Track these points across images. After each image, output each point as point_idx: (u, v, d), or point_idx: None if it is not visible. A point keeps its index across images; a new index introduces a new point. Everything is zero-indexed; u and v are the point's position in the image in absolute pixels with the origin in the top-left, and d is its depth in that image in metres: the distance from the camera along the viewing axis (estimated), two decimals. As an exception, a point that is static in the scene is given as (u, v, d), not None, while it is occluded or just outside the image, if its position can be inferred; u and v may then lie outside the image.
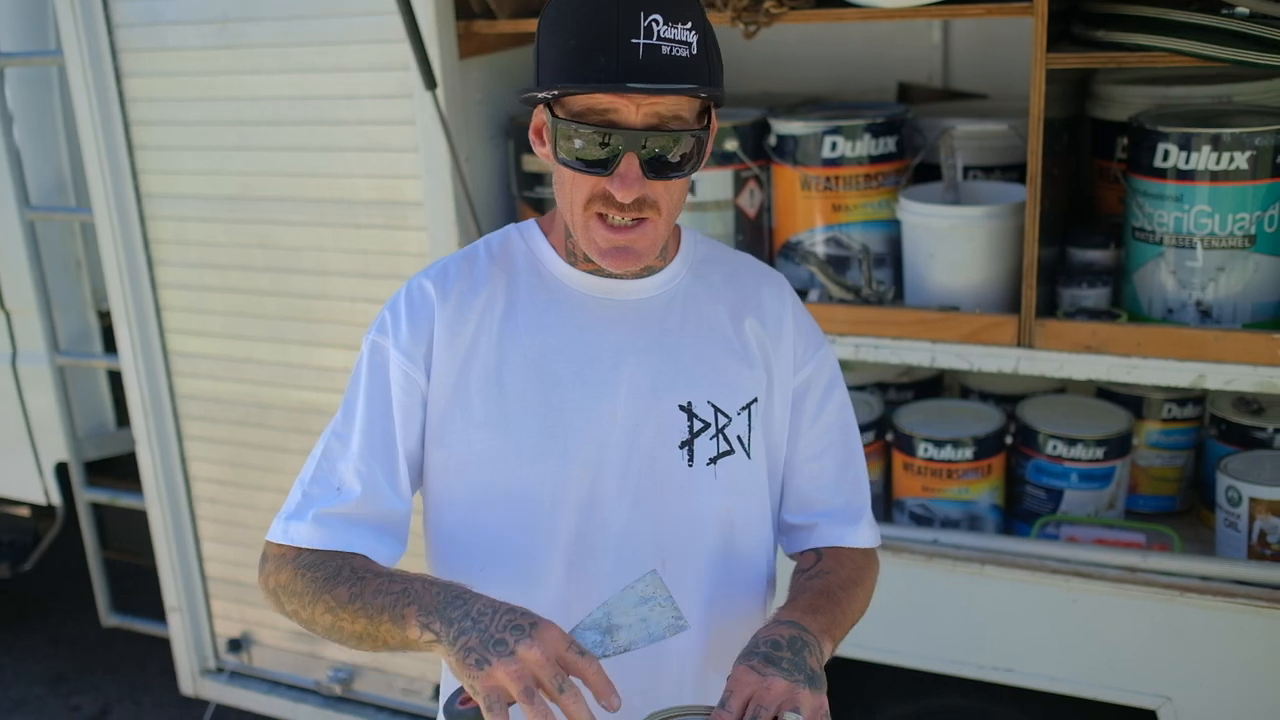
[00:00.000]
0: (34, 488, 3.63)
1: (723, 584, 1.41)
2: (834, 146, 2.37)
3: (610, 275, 1.37)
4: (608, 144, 1.23)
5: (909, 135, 2.47)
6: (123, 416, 3.41)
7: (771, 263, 2.55)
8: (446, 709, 1.17)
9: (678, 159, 1.25)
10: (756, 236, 2.53)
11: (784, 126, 2.43)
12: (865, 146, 2.37)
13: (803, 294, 2.38)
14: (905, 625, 2.36)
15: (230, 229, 2.84)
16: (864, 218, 2.40)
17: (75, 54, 2.85)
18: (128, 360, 3.07)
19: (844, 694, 2.56)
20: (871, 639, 2.38)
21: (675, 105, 1.23)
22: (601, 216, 1.28)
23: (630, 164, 1.23)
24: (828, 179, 2.38)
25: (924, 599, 2.33)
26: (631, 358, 1.36)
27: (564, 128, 1.24)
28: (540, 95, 1.26)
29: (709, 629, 1.41)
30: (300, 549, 1.32)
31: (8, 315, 3.45)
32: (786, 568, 1.52)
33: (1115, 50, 2.02)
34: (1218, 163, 2.03)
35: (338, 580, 1.27)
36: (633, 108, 1.22)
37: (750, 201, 2.50)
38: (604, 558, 1.36)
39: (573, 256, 1.38)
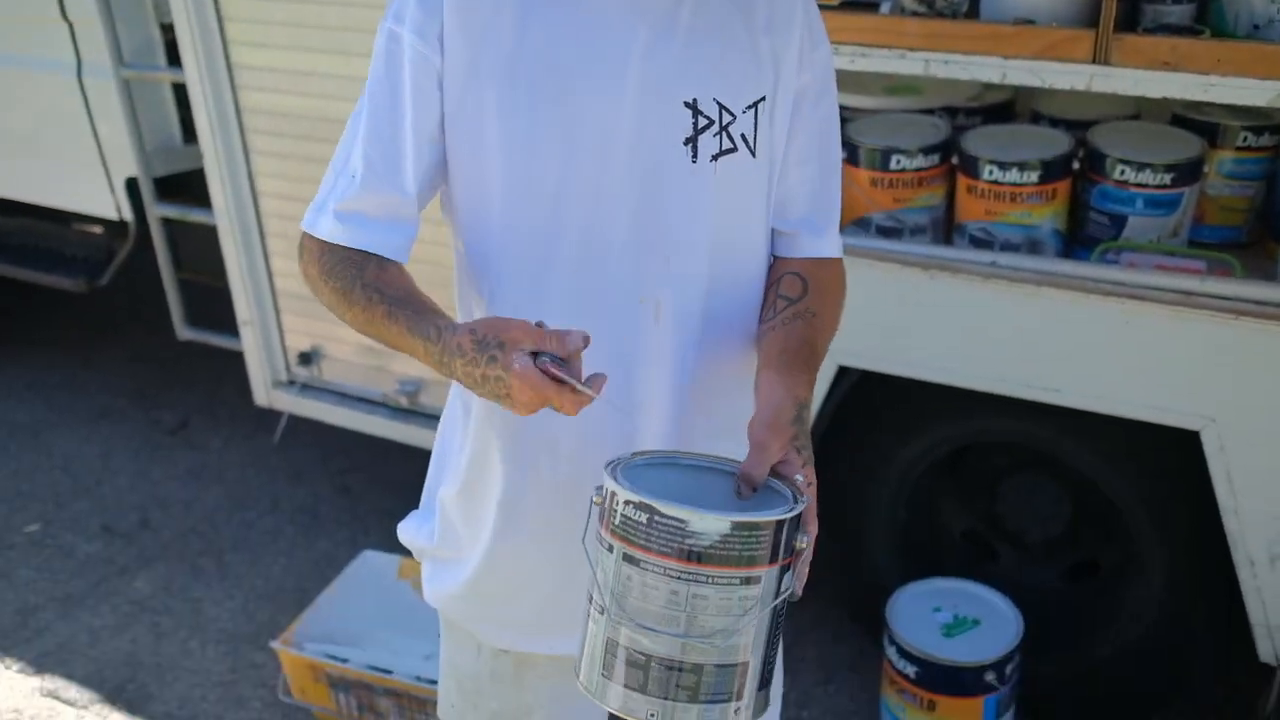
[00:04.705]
0: (106, 203, 3.72)
1: (723, 282, 1.44)
2: None
3: None
4: None
5: None
6: (189, 133, 3.45)
7: (845, -24, 2.47)
8: None
9: None
10: (829, -54, 2.44)
11: None
12: None
13: (874, 6, 2.32)
14: (958, 345, 2.41)
15: (291, -66, 2.79)
16: (943, -74, 2.30)
17: None
18: (192, 73, 3.09)
19: (891, 413, 2.66)
20: (924, 358, 2.45)
21: None
22: None
23: None
24: (908, -117, 2.27)
25: (978, 320, 2.37)
26: (640, 51, 1.35)
27: None
28: None
29: (705, 336, 1.45)
30: (324, 248, 1.39)
31: (70, 26, 3.44)
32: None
33: None
34: None
35: (352, 299, 1.35)
36: None
37: (825, -92, 2.40)
38: (610, 252, 1.39)
39: None
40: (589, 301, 1.40)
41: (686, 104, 1.37)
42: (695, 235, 1.41)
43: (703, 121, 1.37)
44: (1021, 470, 2.79)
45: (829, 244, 1.53)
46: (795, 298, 1.48)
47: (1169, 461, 2.38)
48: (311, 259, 1.41)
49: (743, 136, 1.39)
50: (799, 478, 1.25)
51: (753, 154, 1.41)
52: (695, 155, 1.38)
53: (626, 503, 1.16)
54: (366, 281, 1.35)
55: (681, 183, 1.38)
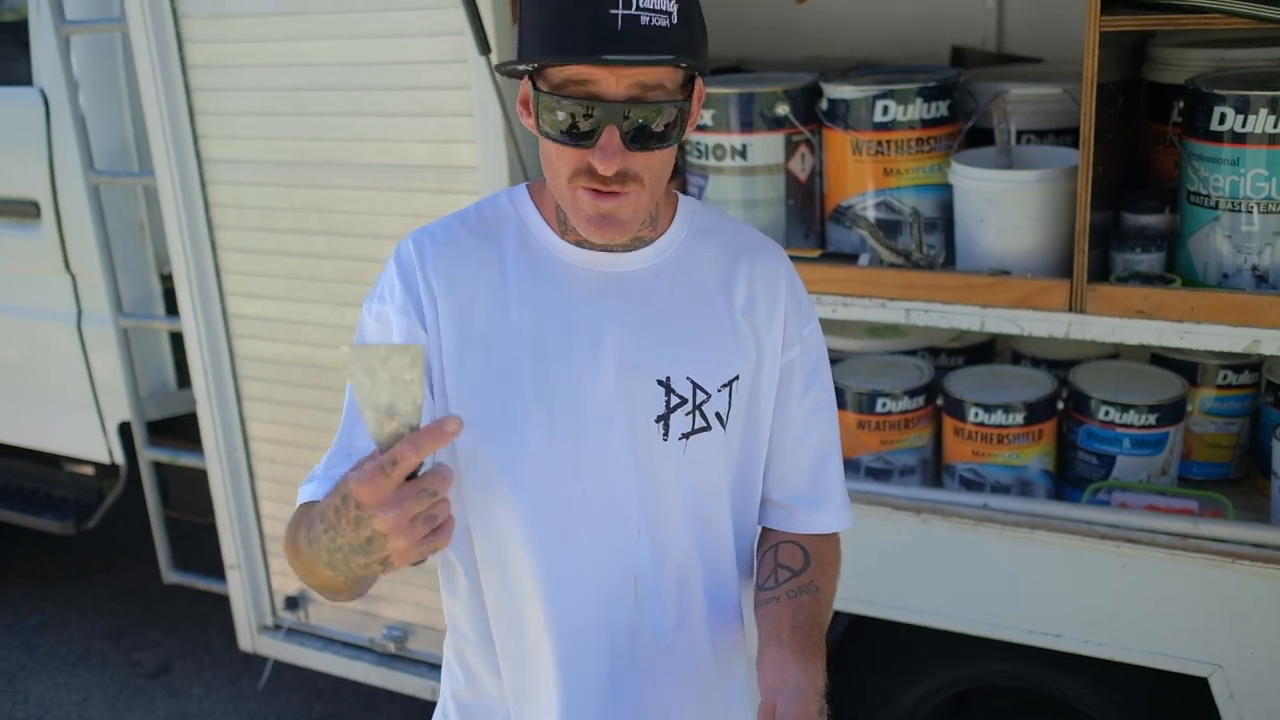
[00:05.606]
0: (98, 447, 3.72)
1: (696, 555, 1.43)
2: (885, 110, 2.36)
3: (599, 248, 1.37)
4: (589, 116, 1.22)
5: (962, 99, 2.46)
6: (184, 377, 3.49)
7: (822, 227, 2.55)
8: None
9: (660, 129, 1.25)
10: (807, 200, 2.53)
11: (835, 90, 2.43)
12: (917, 110, 2.36)
13: (853, 258, 2.38)
14: (953, 589, 2.37)
15: (287, 193, 2.89)
16: (915, 182, 2.39)
17: (139, 21, 2.90)
18: (189, 322, 3.14)
19: (891, 657, 2.59)
20: (920, 602, 2.40)
21: (656, 75, 1.23)
22: (587, 189, 1.27)
23: (611, 136, 1.22)
24: (879, 143, 2.37)
25: (973, 563, 2.33)
26: (615, 331, 1.36)
27: (546, 101, 1.24)
28: (521, 68, 1.26)
29: (682, 611, 1.44)
30: (296, 512, 1.32)
31: (73, 278, 3.53)
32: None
33: (1171, 12, 1.99)
34: (1275, 125, 2.00)
35: (296, 543, 1.25)
36: (613, 79, 1.21)
37: (801, 166, 2.50)
38: (584, 528, 1.38)
39: (563, 227, 1.38)
40: (568, 582, 1.38)
41: (659, 382, 1.37)
42: (669, 515, 1.40)
43: (675, 400, 1.38)
44: (1028, 713, 2.70)
45: (827, 519, 1.51)
46: (797, 569, 1.46)
47: (1180, 704, 2.31)
48: (288, 532, 1.31)
49: (717, 415, 1.40)
50: None
51: (724, 432, 1.41)
52: (667, 433, 1.38)
53: None
54: (309, 513, 1.24)
55: (654, 461, 1.38)
